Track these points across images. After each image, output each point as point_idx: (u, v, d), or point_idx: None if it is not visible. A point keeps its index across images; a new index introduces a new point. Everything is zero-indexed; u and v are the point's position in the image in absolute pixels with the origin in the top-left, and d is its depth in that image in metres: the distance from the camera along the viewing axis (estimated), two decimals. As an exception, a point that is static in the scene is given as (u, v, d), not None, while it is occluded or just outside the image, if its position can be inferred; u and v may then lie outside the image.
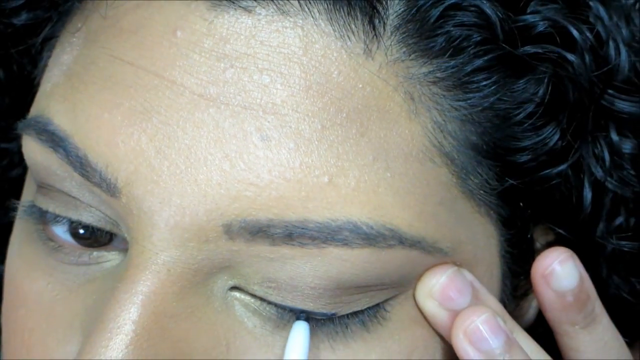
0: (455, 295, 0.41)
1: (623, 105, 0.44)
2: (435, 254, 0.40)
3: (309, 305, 0.39)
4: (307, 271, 0.38)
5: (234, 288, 0.40)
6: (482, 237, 0.43)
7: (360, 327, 0.40)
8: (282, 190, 0.37)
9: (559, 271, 0.42)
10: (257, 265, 0.39)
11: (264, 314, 0.40)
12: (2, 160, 0.52)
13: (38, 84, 0.44)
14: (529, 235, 0.45)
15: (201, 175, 0.37)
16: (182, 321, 0.39)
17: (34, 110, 0.42)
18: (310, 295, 0.39)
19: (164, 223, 0.38)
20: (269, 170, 0.37)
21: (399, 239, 0.39)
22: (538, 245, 0.46)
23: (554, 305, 0.43)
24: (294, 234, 0.38)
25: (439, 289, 0.41)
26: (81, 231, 0.41)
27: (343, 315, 0.40)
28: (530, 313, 0.48)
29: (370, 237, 0.38)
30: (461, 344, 0.40)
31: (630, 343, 0.46)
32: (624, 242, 0.45)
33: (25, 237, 0.44)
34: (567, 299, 0.43)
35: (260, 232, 0.38)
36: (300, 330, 0.39)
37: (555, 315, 0.43)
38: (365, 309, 0.40)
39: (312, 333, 0.40)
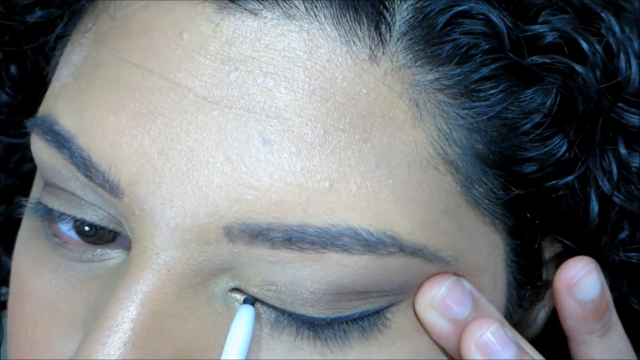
0: (456, 305, 0.41)
1: (633, 118, 0.43)
2: (436, 262, 0.40)
3: (308, 310, 0.39)
4: (307, 275, 0.38)
5: (235, 290, 0.40)
6: (486, 246, 0.42)
7: (360, 334, 0.40)
8: (282, 194, 0.37)
9: (584, 282, 0.42)
10: (257, 268, 0.39)
11: (264, 316, 0.40)
12: (14, 155, 0.53)
13: (50, 81, 0.44)
14: (536, 245, 0.45)
15: (202, 178, 0.38)
16: (182, 321, 0.39)
17: (41, 110, 0.42)
18: (309, 299, 0.39)
19: (165, 224, 0.38)
20: (270, 174, 0.37)
21: (399, 247, 0.39)
22: (546, 256, 0.46)
23: (575, 314, 0.43)
24: (293, 238, 0.38)
25: (439, 299, 0.41)
26: (86, 229, 0.42)
27: (342, 322, 0.40)
28: (538, 324, 0.48)
29: (371, 244, 0.38)
30: (473, 356, 0.40)
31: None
32: (632, 254, 0.45)
33: (31, 233, 0.44)
34: (588, 308, 0.43)
35: (260, 235, 0.38)
36: (244, 314, 0.39)
37: (575, 324, 0.43)
38: (366, 316, 0.40)
39: (314, 337, 0.40)
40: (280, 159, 0.38)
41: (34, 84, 0.48)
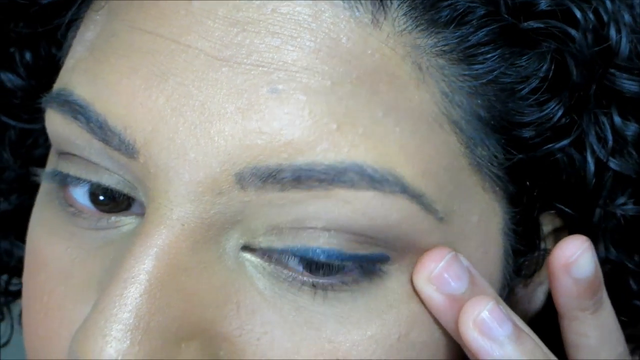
0: (453, 280, 0.42)
1: (626, 84, 0.45)
2: (431, 216, 0.41)
3: (307, 244, 0.40)
4: (310, 212, 0.40)
5: (245, 248, 0.41)
6: (478, 213, 0.44)
7: (358, 276, 0.41)
8: (290, 136, 0.39)
9: (581, 260, 0.44)
10: (265, 217, 0.40)
11: (275, 275, 0.41)
12: (27, 139, 0.54)
13: (63, 63, 0.45)
14: (535, 215, 0.46)
15: (214, 129, 0.39)
16: (196, 276, 0.40)
17: (56, 85, 0.43)
18: (308, 236, 0.40)
19: (178, 178, 0.39)
20: (278, 119, 0.39)
21: (402, 187, 0.40)
22: (545, 230, 0.47)
23: (569, 292, 0.44)
24: (302, 177, 0.39)
25: (437, 273, 0.42)
26: (101, 197, 0.43)
27: (339, 259, 0.41)
28: (537, 302, 0.49)
29: (375, 180, 0.39)
30: (471, 333, 0.41)
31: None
32: (629, 207, 0.46)
33: (46, 203, 0.45)
34: (582, 285, 0.44)
35: (270, 177, 0.39)
36: None
37: (569, 302, 0.45)
38: (359, 264, 0.41)
39: (314, 290, 0.41)
40: (289, 105, 0.39)
41: (47, 71, 0.50)
